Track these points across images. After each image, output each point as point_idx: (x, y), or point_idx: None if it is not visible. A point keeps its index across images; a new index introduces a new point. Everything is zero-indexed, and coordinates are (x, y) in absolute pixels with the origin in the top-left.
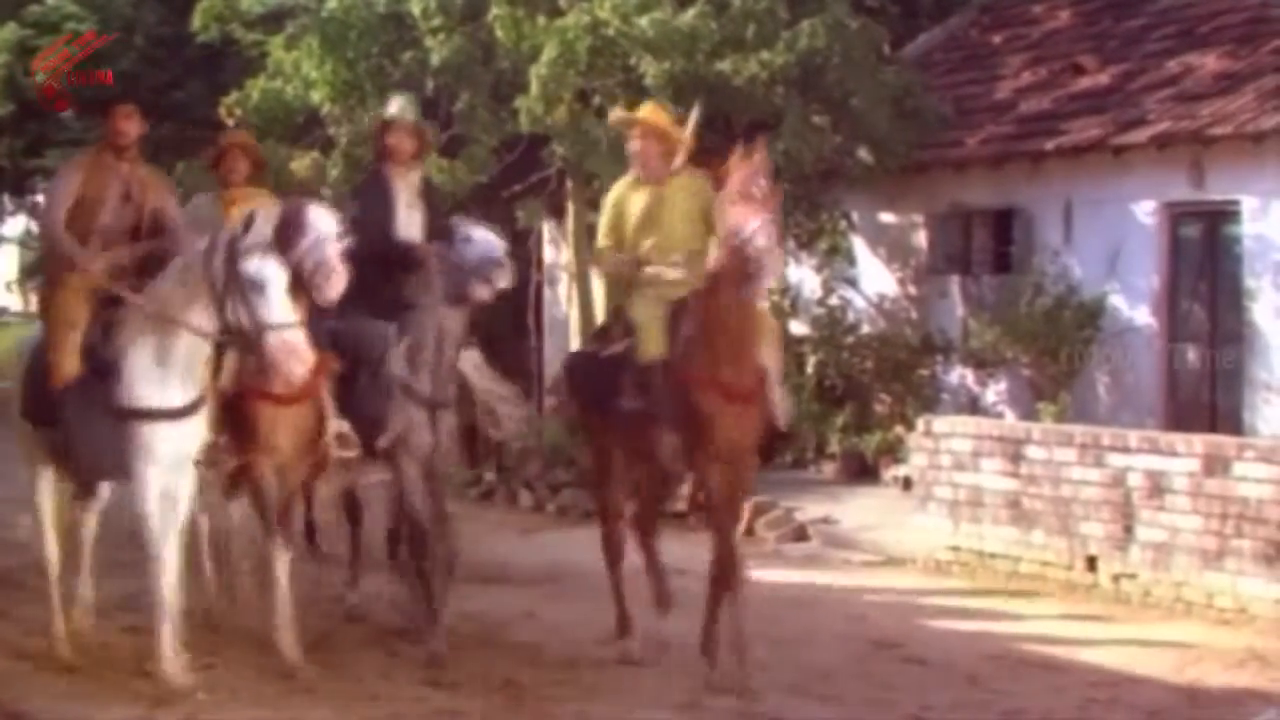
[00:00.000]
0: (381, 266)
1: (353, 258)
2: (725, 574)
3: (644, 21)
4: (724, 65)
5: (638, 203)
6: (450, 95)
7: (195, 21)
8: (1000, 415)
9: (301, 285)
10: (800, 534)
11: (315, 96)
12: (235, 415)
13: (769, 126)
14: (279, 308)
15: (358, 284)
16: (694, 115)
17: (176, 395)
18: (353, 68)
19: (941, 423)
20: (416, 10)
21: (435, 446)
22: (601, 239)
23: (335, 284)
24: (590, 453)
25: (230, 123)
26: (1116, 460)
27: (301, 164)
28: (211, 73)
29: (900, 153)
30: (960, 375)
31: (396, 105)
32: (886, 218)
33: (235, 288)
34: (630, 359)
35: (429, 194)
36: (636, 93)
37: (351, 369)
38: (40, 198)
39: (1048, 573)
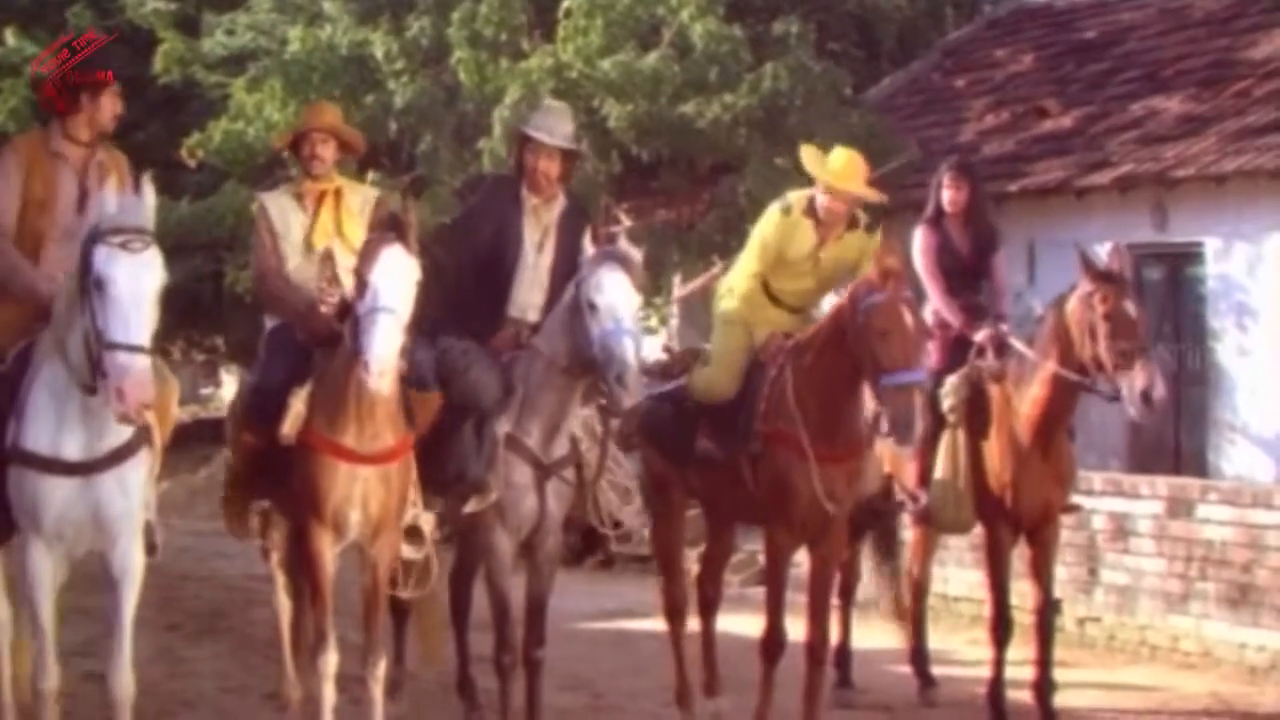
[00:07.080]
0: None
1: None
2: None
3: (607, 64)
4: (687, 108)
5: (802, 244)
6: (413, 137)
7: (157, 64)
8: None
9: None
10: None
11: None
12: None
13: (732, 168)
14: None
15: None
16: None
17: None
18: None
19: None
20: (379, 53)
21: (542, 518)
22: (753, 267)
23: (379, 380)
24: (652, 495)
25: (192, 164)
26: (1081, 503)
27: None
28: (173, 114)
29: None
30: None
31: (546, 118)
32: None
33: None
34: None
35: (568, 227)
36: (600, 135)
37: (446, 413)
38: None
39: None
